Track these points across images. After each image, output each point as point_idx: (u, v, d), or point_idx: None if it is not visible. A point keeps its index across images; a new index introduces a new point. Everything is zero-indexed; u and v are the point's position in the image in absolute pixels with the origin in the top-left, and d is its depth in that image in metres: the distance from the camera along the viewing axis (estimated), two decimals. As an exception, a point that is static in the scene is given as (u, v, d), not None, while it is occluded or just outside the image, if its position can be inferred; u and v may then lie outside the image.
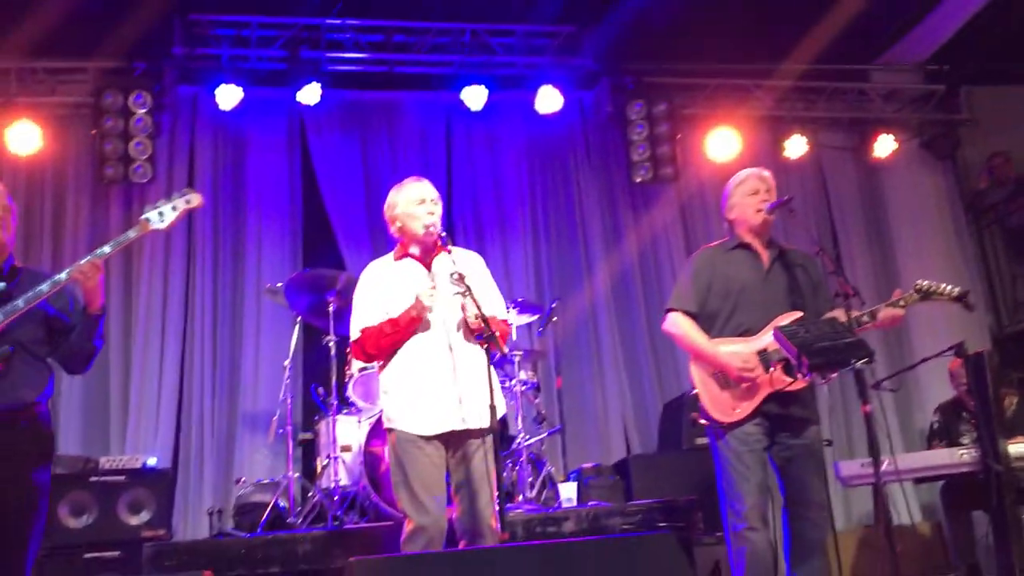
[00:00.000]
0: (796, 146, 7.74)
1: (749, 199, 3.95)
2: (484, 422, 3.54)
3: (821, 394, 7.07)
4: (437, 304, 3.58)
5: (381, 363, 3.71)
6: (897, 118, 8.20)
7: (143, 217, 3.47)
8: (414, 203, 3.71)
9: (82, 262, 3.28)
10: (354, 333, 3.68)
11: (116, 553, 5.04)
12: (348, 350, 5.53)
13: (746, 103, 7.88)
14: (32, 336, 3.32)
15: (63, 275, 3.27)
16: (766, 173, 4.04)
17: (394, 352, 3.61)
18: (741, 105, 7.86)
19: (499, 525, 3.23)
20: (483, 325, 3.38)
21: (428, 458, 3.50)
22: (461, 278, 3.51)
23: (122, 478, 5.23)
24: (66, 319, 3.40)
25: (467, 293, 3.48)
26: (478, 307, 3.44)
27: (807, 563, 3.68)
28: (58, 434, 6.38)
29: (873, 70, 8.25)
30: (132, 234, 3.43)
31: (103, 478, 5.20)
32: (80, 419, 6.49)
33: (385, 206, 3.83)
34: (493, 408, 3.30)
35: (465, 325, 3.60)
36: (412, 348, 3.59)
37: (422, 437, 3.51)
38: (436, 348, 3.59)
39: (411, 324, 3.56)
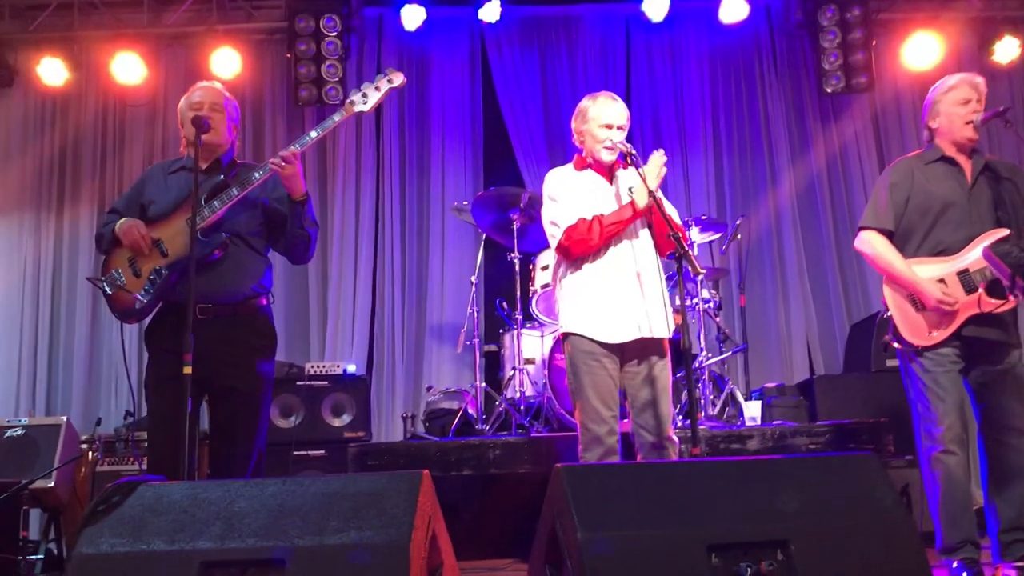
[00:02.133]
0: (1007, 49, 7.11)
1: (958, 108, 3.67)
2: (662, 331, 3.58)
3: (1024, 317, 6.71)
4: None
5: (564, 268, 3.71)
6: None
7: (348, 100, 3.57)
8: (600, 125, 3.67)
9: (284, 151, 3.42)
10: (568, 220, 3.60)
11: (321, 452, 5.44)
12: (532, 266, 5.68)
13: (950, 4, 7.30)
14: (249, 227, 3.50)
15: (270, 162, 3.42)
16: (979, 80, 3.72)
17: (597, 250, 3.60)
18: (944, 6, 7.28)
19: (691, 441, 3.27)
20: (676, 243, 3.37)
21: (605, 370, 3.54)
22: (651, 194, 3.51)
23: (325, 383, 5.60)
24: (284, 210, 3.55)
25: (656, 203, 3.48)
26: (669, 224, 3.43)
27: (1008, 490, 3.51)
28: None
29: (1102, -40, 7.44)
30: (337, 117, 3.54)
31: (309, 383, 5.58)
32: (283, 328, 6.96)
33: (575, 113, 3.79)
34: (684, 324, 3.31)
35: (650, 237, 3.62)
36: (597, 258, 3.62)
37: (601, 346, 3.54)
38: (620, 260, 3.61)
39: (632, 220, 3.57)
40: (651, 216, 3.59)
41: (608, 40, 7.43)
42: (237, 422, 3.41)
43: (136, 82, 7.07)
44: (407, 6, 6.88)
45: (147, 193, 3.55)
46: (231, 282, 3.41)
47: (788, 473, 2.46)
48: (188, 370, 3.02)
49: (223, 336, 3.35)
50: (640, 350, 3.58)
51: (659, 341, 3.60)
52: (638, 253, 3.63)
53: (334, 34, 6.91)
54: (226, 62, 6.98)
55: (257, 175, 3.41)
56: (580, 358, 3.58)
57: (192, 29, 7.22)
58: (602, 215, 3.57)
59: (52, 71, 7.00)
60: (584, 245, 3.57)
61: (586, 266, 3.63)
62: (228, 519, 2.29)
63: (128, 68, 6.98)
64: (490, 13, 6.84)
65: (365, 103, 3.56)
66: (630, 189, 3.62)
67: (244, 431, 3.41)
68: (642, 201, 3.53)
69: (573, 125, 3.80)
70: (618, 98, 3.75)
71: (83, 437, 5.36)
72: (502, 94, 7.31)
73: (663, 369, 3.59)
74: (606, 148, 3.65)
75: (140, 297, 3.37)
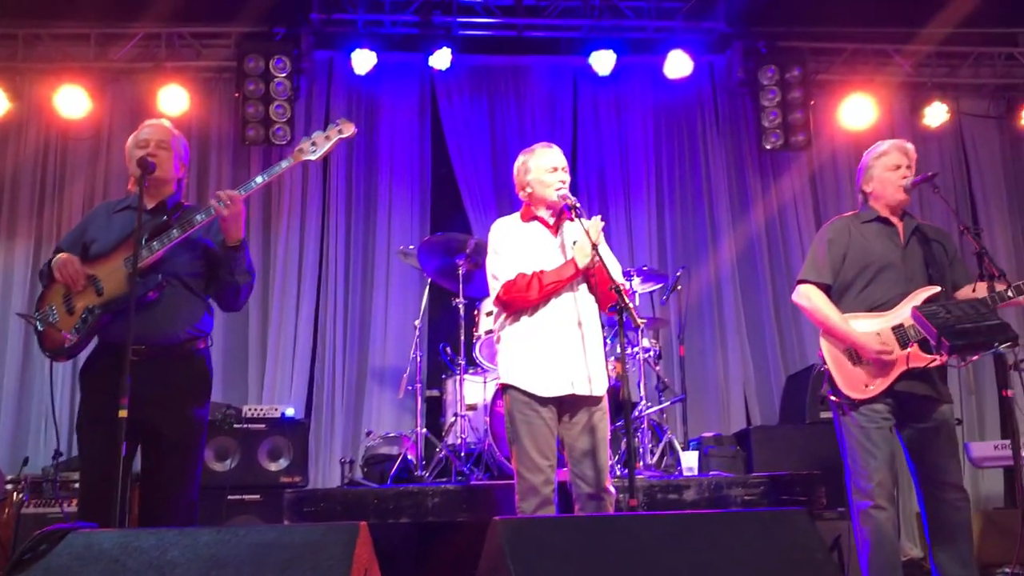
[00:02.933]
0: (936, 114, 7.45)
1: (890, 173, 3.84)
2: (600, 389, 3.62)
3: (953, 373, 6.89)
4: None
5: (504, 320, 3.74)
6: (1048, 85, 7.78)
7: (297, 148, 3.54)
8: (546, 170, 3.73)
9: (227, 192, 3.36)
10: (507, 275, 3.64)
11: (257, 496, 5.34)
12: (476, 311, 5.70)
13: (884, 69, 7.62)
14: (190, 269, 3.44)
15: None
16: (909, 146, 3.90)
17: (536, 304, 3.62)
18: (879, 71, 7.60)
19: (628, 491, 3.29)
20: (617, 295, 3.42)
21: (542, 419, 3.56)
22: (594, 247, 3.56)
23: (262, 426, 5.51)
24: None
25: (600, 262, 3.54)
26: (611, 277, 3.49)
27: (951, 546, 3.57)
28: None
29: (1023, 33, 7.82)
30: (285, 164, 3.50)
31: (246, 425, 5.49)
32: (220, 368, 6.85)
33: (515, 169, 3.85)
34: (624, 375, 3.35)
35: (589, 292, 3.67)
36: (538, 311, 3.64)
37: (537, 399, 3.57)
38: (560, 313, 3.64)
39: (572, 279, 3.60)
40: (593, 277, 3.64)
41: (556, 92, 7.57)
42: (169, 467, 3.35)
43: (80, 116, 6.98)
44: (358, 51, 6.93)
45: (90, 232, 3.51)
46: (165, 324, 3.36)
47: (723, 528, 2.50)
48: (124, 413, 2.96)
49: (157, 379, 3.28)
50: (579, 401, 3.61)
51: (596, 397, 3.63)
52: (578, 306, 3.67)
53: (284, 75, 6.93)
54: (173, 99, 6.93)
55: (200, 217, 3.38)
56: (517, 408, 3.60)
57: (140, 65, 7.17)
58: (543, 272, 3.60)
59: (-8, 101, 6.88)
60: (522, 301, 3.61)
61: (524, 319, 3.65)
62: (160, 569, 2.24)
63: (72, 101, 6.91)
64: (441, 60, 6.93)
65: (314, 151, 3.54)
66: (574, 243, 3.67)
67: (176, 477, 3.35)
68: (583, 261, 3.58)
69: (517, 181, 3.85)
70: (553, 145, 3.82)
71: (9, 477, 5.20)
72: (451, 141, 7.37)
73: (602, 419, 3.62)
74: (557, 190, 3.69)
75: (70, 336, 3.31)
